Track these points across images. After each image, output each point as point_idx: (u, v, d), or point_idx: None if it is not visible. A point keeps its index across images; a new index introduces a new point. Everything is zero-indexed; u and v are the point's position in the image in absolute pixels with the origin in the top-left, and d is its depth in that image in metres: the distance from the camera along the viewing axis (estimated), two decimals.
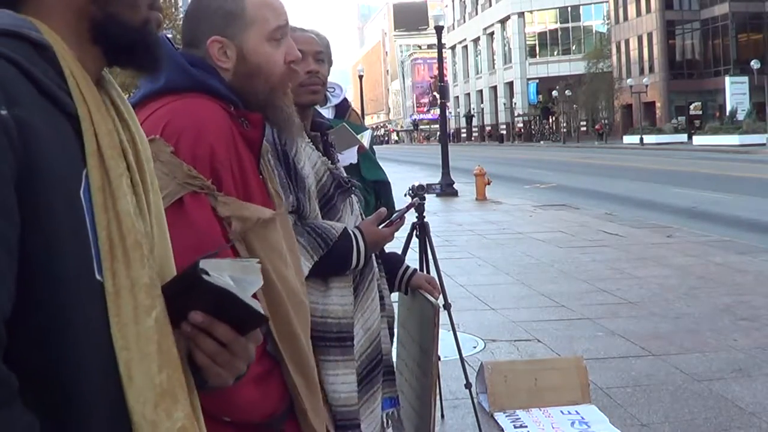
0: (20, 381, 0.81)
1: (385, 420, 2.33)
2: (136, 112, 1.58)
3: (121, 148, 0.97)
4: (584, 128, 66.24)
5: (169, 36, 1.75)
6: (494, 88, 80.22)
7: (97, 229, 0.91)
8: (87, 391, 0.87)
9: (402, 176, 17.42)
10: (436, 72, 31.64)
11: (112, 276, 0.91)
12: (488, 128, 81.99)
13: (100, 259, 0.91)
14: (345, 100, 3.60)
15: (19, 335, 0.81)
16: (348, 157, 3.13)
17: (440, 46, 19.33)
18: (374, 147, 3.85)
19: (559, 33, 71.53)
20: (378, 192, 3.41)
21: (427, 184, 3.80)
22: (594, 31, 68.63)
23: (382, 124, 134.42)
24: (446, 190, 17.11)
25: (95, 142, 0.93)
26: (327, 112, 3.22)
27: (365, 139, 3.34)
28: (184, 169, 1.42)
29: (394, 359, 2.53)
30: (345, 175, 2.32)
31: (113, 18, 0.98)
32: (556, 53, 71.80)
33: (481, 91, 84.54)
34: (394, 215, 2.37)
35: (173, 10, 23.93)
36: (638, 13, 57.92)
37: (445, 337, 3.49)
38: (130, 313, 0.92)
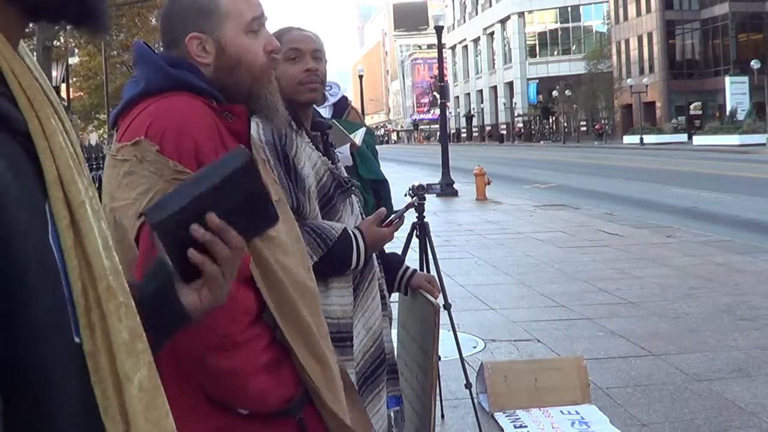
0: None
1: (393, 417, 2.33)
2: (122, 119, 1.58)
3: (70, 150, 0.79)
4: (584, 128, 66.25)
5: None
6: (494, 88, 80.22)
7: (70, 279, 0.75)
8: None
9: (402, 176, 17.43)
10: (436, 72, 31.64)
11: (90, 335, 0.77)
12: (488, 128, 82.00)
13: (77, 317, 0.76)
14: (344, 98, 3.59)
15: None
16: (343, 160, 3.13)
17: (440, 46, 19.33)
18: (375, 147, 3.85)
19: (559, 33, 71.53)
20: (376, 191, 3.42)
21: (427, 184, 3.80)
22: (594, 31, 68.63)
23: (382, 124, 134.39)
24: (446, 190, 17.10)
25: (54, 166, 0.75)
26: (325, 111, 3.22)
27: (358, 137, 3.33)
28: (170, 166, 1.44)
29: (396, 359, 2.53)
30: (345, 175, 2.32)
31: None
32: (556, 53, 71.80)
33: (481, 91, 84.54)
34: (394, 215, 2.37)
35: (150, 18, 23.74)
36: (638, 13, 57.93)
37: (445, 337, 3.49)
38: (111, 380, 0.78)
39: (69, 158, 0.77)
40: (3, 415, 0.69)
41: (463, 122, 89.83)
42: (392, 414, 2.34)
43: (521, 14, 72.35)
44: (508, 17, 73.74)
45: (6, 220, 0.67)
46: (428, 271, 3.92)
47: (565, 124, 65.59)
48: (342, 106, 3.52)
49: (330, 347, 1.64)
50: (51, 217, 0.74)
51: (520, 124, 75.86)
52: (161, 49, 1.73)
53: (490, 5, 78.17)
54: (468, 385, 4.00)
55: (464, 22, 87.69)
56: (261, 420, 1.53)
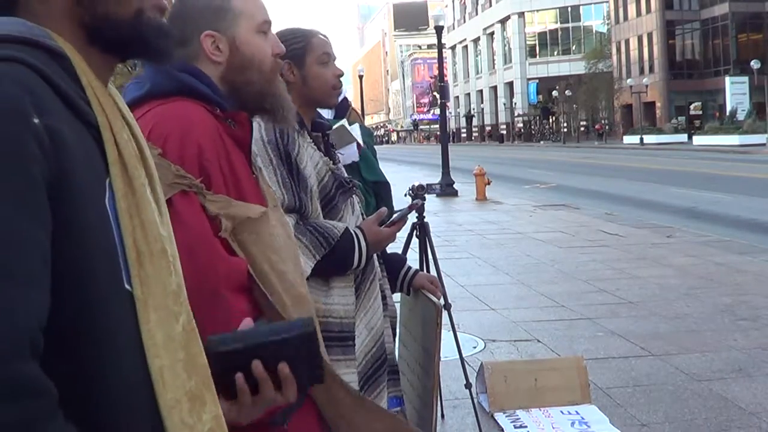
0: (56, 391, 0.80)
1: None
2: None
3: (139, 156, 0.97)
4: (584, 128, 66.26)
5: None
6: (494, 88, 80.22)
7: (123, 237, 0.91)
8: (120, 400, 0.88)
9: (402, 176, 17.42)
10: (436, 72, 31.62)
11: (140, 284, 0.91)
12: (488, 128, 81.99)
13: (128, 268, 0.91)
14: (345, 99, 3.60)
15: (51, 345, 0.80)
16: (349, 155, 3.14)
17: (440, 46, 19.32)
18: (375, 147, 3.85)
19: (559, 33, 71.54)
20: (377, 192, 3.42)
21: (427, 184, 3.80)
22: (594, 31, 68.64)
23: (382, 124, 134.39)
24: (446, 190, 17.11)
25: (116, 151, 0.93)
26: (327, 113, 3.23)
27: (355, 132, 3.35)
28: (172, 170, 1.43)
29: (397, 359, 2.53)
30: (346, 175, 2.33)
31: (102, 17, 0.95)
32: (556, 53, 71.80)
33: (481, 91, 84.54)
34: (396, 215, 2.37)
35: None
36: (638, 13, 57.94)
37: (445, 337, 3.48)
38: (159, 320, 0.93)
39: (133, 151, 0.96)
40: (67, 358, 0.84)
41: (463, 122, 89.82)
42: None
43: (521, 14, 72.34)
44: (508, 17, 73.73)
45: (74, 181, 0.84)
46: (428, 271, 3.92)
47: (565, 124, 65.58)
48: (343, 107, 3.52)
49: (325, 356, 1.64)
50: (110, 189, 0.91)
51: (520, 124, 75.86)
52: None
53: (490, 5, 78.16)
54: (468, 385, 4.00)
55: (464, 22, 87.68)
56: (248, 430, 1.52)
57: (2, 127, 0.79)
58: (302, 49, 2.27)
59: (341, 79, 2.34)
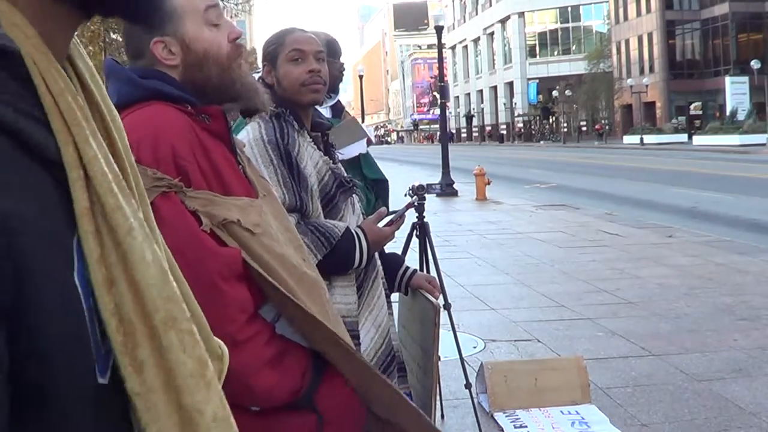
0: None
1: None
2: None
3: (115, 171, 0.72)
4: (584, 128, 66.27)
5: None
6: (494, 88, 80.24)
7: (103, 316, 0.68)
8: None
9: (402, 176, 17.42)
10: (436, 72, 31.63)
11: (136, 373, 0.69)
12: (488, 128, 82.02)
13: (115, 355, 0.69)
14: (338, 101, 3.61)
15: None
16: (357, 147, 3.14)
17: (440, 46, 19.32)
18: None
19: (559, 33, 71.57)
20: (376, 190, 3.42)
21: (427, 184, 3.80)
22: (594, 31, 68.68)
23: (382, 124, 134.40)
24: (446, 190, 17.11)
25: (86, 197, 0.68)
26: (324, 113, 3.22)
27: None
28: (149, 174, 1.44)
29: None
30: (346, 174, 2.32)
31: None
32: (556, 53, 71.83)
33: (481, 91, 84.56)
34: (394, 215, 2.38)
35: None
36: (638, 13, 57.95)
37: (445, 337, 3.49)
38: (176, 416, 0.70)
39: (112, 183, 0.69)
40: None
41: (463, 122, 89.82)
42: None
43: (521, 14, 72.37)
44: (508, 17, 73.75)
45: (23, 259, 0.59)
46: (428, 271, 3.92)
47: (565, 124, 65.58)
48: (338, 107, 3.53)
49: (334, 330, 1.61)
50: (78, 250, 0.67)
51: (520, 124, 75.88)
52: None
53: (490, 5, 78.18)
54: (468, 385, 4.00)
55: (464, 22, 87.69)
56: (274, 414, 1.55)
57: None
58: (275, 49, 2.24)
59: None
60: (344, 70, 3.45)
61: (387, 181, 3.52)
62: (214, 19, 1.65)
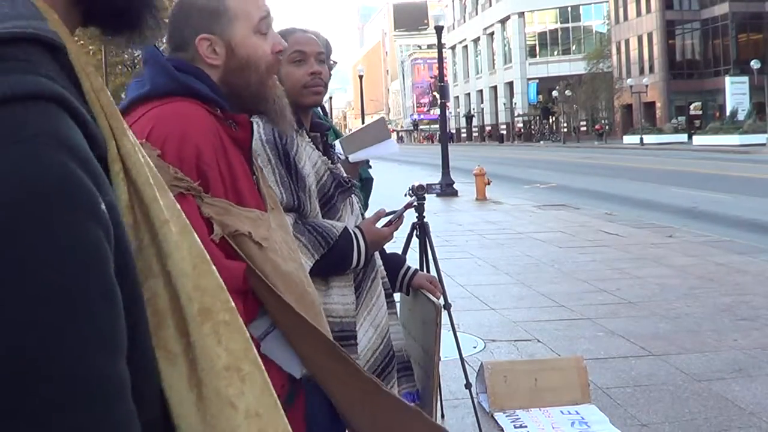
0: None
1: None
2: (123, 119, 1.57)
3: (150, 164, 0.73)
4: (584, 128, 66.25)
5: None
6: (494, 88, 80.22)
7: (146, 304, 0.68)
8: None
9: (402, 176, 17.42)
10: (436, 72, 31.63)
11: (170, 364, 0.69)
12: (488, 128, 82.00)
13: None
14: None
15: None
16: (387, 148, 3.12)
17: (440, 46, 19.32)
18: None
19: (559, 33, 71.55)
20: (363, 189, 3.44)
21: (427, 184, 3.80)
22: (594, 31, 68.66)
23: None
24: (446, 190, 17.10)
25: (125, 190, 0.70)
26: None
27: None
28: (170, 172, 1.43)
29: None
30: (345, 175, 2.32)
31: None
32: (556, 53, 71.81)
33: (481, 91, 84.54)
34: (393, 215, 2.38)
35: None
36: (638, 13, 57.93)
37: (445, 337, 3.48)
38: (214, 406, 0.70)
39: (149, 174, 0.70)
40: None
41: (463, 122, 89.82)
42: None
43: (521, 14, 72.35)
44: (508, 17, 73.74)
45: (126, 249, 0.63)
46: (428, 271, 3.92)
47: (565, 124, 65.57)
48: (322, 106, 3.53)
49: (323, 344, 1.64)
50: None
51: (520, 124, 75.86)
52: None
53: (490, 5, 78.16)
54: (468, 385, 4.00)
55: (464, 22, 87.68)
56: None
57: (74, 227, 0.57)
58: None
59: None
60: (333, 66, 3.45)
61: (372, 179, 3.55)
62: (264, 28, 1.65)
